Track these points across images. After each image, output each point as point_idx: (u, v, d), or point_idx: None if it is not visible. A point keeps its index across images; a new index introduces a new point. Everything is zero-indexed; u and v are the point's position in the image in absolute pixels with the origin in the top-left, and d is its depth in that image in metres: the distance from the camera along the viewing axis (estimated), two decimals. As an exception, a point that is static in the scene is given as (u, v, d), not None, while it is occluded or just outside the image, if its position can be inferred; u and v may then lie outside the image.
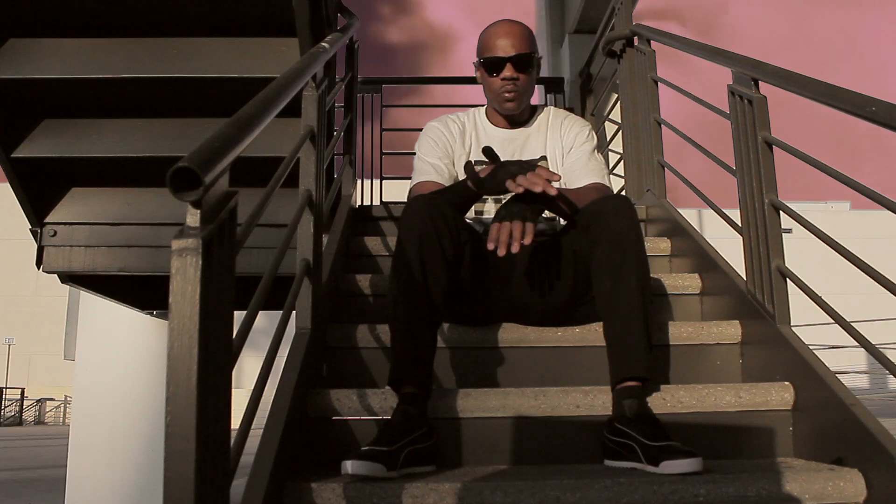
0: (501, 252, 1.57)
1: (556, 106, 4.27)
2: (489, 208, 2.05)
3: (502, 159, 1.99)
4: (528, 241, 1.57)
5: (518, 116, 2.08)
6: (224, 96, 2.42)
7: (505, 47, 1.94)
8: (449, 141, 2.05)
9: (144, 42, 2.44)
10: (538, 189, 1.59)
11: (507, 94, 1.97)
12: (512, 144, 2.06)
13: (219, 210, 0.90)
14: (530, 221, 1.60)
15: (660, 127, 2.79)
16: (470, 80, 4.10)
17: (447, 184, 1.96)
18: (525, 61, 1.95)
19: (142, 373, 4.24)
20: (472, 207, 1.98)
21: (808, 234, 1.70)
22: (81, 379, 4.35)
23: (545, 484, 1.27)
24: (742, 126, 1.87)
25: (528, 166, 1.67)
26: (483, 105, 2.14)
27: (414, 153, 2.09)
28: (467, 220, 1.91)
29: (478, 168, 1.80)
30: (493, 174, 1.71)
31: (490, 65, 1.97)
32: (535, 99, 5.02)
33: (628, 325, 1.57)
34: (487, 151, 1.81)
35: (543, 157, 2.05)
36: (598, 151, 2.06)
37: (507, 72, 1.95)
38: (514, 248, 1.56)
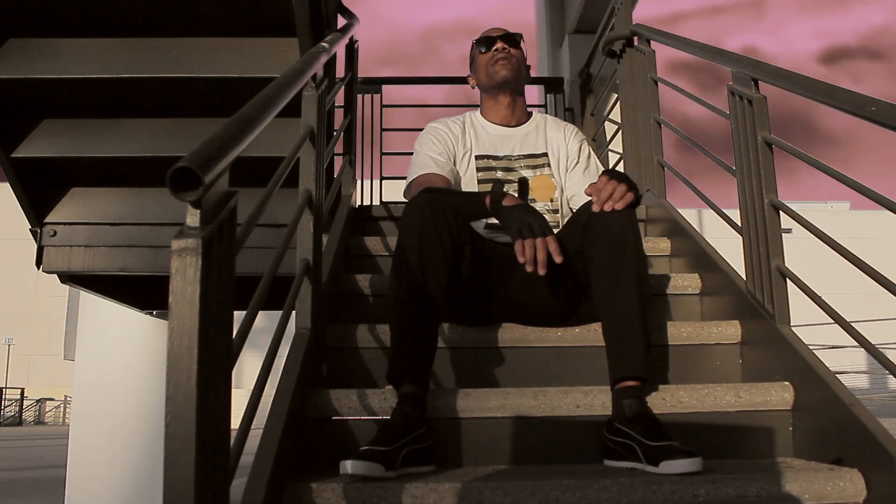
0: (542, 271, 1.55)
1: (556, 106, 4.30)
2: None
3: (500, 155, 2.03)
4: (559, 259, 1.55)
5: (514, 109, 2.15)
6: (224, 96, 2.42)
7: (495, 30, 2.17)
8: (451, 140, 2.07)
9: (144, 42, 2.44)
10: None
11: (500, 63, 2.11)
12: (511, 140, 2.09)
13: (219, 210, 0.90)
14: (550, 234, 1.59)
15: (660, 127, 2.79)
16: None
17: (449, 178, 1.97)
18: (514, 40, 2.15)
19: (142, 373, 4.24)
20: None
21: (808, 234, 1.70)
22: (81, 379, 4.35)
23: (545, 484, 1.27)
24: (742, 126, 1.87)
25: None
26: (477, 109, 2.21)
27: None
28: None
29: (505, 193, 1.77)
30: (511, 212, 1.64)
31: (482, 43, 2.16)
32: (535, 99, 5.00)
33: (627, 325, 1.57)
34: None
35: (544, 154, 2.08)
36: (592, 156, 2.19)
37: (499, 44, 2.13)
38: (542, 271, 1.55)
